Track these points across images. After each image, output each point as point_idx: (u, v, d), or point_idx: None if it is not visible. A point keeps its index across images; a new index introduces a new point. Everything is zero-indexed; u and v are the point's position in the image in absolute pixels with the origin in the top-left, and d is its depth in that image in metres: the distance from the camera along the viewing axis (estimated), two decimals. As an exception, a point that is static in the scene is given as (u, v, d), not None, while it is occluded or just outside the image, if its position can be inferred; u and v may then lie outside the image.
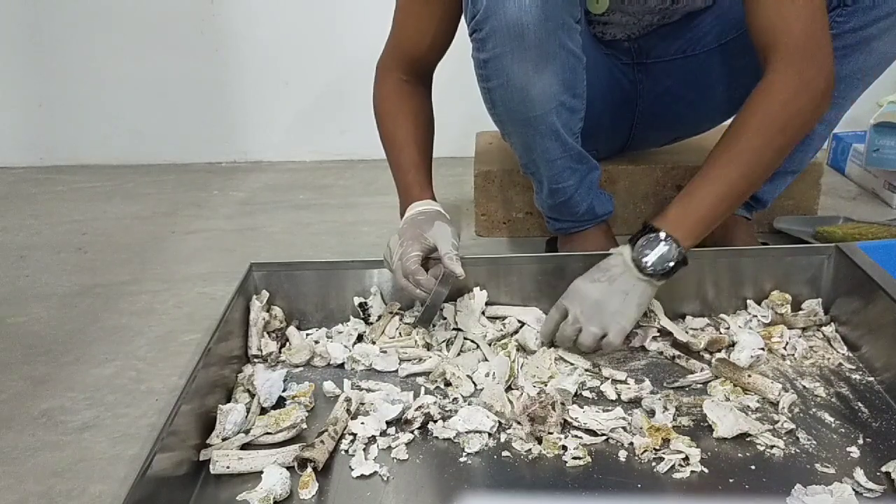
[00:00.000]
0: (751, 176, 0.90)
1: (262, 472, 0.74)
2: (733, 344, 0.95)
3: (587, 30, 1.12)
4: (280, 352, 0.98)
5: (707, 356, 0.94)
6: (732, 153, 0.89)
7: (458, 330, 0.99)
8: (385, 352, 0.96)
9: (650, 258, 0.88)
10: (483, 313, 1.01)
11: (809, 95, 0.87)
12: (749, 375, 0.86)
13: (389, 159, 1.08)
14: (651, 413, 0.83)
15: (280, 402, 0.88)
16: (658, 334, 0.97)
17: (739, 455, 0.77)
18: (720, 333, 0.97)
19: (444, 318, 1.00)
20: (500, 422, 0.82)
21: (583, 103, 1.01)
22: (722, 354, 0.94)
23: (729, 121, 1.25)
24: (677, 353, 0.94)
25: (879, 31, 0.95)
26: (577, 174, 1.07)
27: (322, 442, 0.77)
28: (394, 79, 1.07)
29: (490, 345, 0.96)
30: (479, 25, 0.91)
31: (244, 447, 0.79)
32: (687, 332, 0.97)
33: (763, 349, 0.93)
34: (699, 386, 0.89)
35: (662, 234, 0.88)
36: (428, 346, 0.97)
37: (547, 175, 1.06)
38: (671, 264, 0.88)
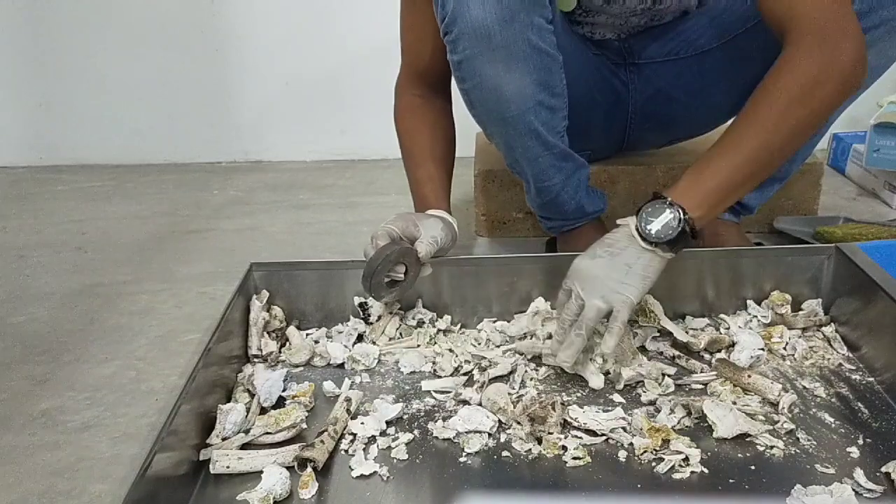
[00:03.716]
0: (769, 147, 0.85)
1: (261, 472, 0.73)
2: (733, 344, 0.95)
3: (572, 30, 1.12)
4: (280, 352, 0.98)
5: (707, 356, 0.94)
6: (750, 123, 0.85)
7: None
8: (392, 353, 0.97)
9: (654, 225, 0.84)
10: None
11: (835, 67, 0.83)
12: (749, 376, 0.86)
13: (408, 176, 1.08)
14: (654, 413, 0.83)
15: (280, 402, 0.88)
16: (658, 334, 0.97)
17: (739, 455, 0.77)
18: (720, 333, 0.97)
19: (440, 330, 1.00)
20: (500, 421, 0.82)
21: (563, 102, 1.01)
22: (722, 354, 0.94)
23: (726, 124, 1.26)
24: (677, 353, 0.94)
25: (872, 39, 0.94)
26: (562, 172, 1.07)
27: (322, 442, 0.77)
28: (408, 96, 1.09)
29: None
30: (448, 28, 0.92)
31: (244, 447, 0.79)
32: (687, 332, 0.97)
33: (763, 349, 0.93)
34: (699, 386, 0.88)
35: (668, 201, 0.84)
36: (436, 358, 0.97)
37: (531, 174, 1.07)
38: (675, 232, 0.83)
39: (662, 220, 0.84)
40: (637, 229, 0.85)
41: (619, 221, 0.89)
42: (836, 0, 0.84)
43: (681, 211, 0.84)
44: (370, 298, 1.02)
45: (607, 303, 0.84)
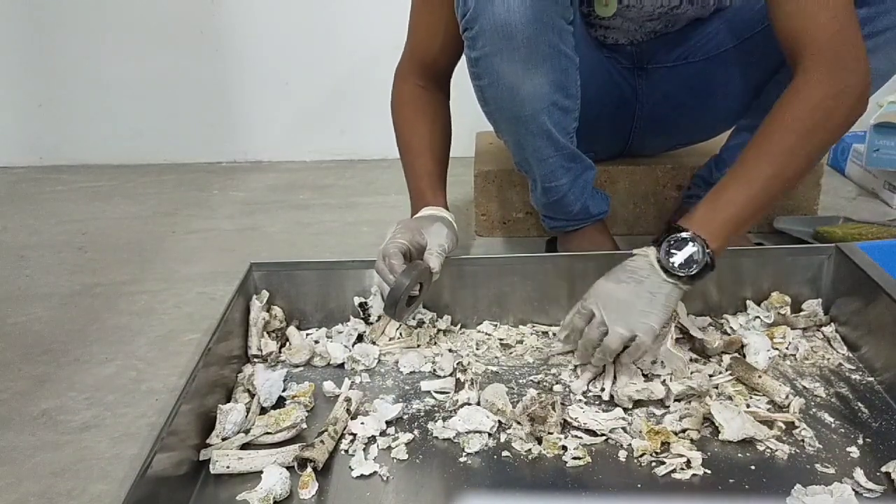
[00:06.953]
0: (782, 176, 0.85)
1: (262, 472, 0.73)
2: (743, 346, 0.94)
3: (586, 32, 1.12)
4: (280, 352, 0.98)
5: (716, 357, 0.93)
6: (763, 153, 0.85)
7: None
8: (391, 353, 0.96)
9: (677, 259, 0.83)
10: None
11: (844, 96, 0.84)
12: (759, 376, 0.86)
13: (404, 165, 1.07)
14: (660, 415, 0.82)
15: (280, 402, 0.88)
16: (681, 336, 0.95)
17: (739, 455, 0.77)
18: (728, 334, 0.97)
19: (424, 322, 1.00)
20: (500, 421, 0.82)
21: (577, 103, 1.01)
22: (736, 356, 0.93)
23: (727, 132, 1.26)
24: (694, 356, 0.93)
25: (874, 46, 0.94)
26: (570, 173, 1.07)
27: (322, 442, 0.77)
28: (410, 85, 1.07)
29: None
30: (468, 24, 0.92)
31: (244, 447, 0.79)
32: (700, 330, 0.96)
33: (776, 350, 0.93)
34: (715, 390, 0.87)
35: (689, 235, 0.83)
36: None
37: (539, 173, 1.06)
38: (698, 267, 0.82)
39: (686, 254, 0.83)
40: (659, 261, 0.84)
41: (635, 251, 0.88)
42: (848, 26, 0.84)
43: (704, 244, 0.83)
44: (370, 299, 1.03)
45: (631, 331, 0.83)
